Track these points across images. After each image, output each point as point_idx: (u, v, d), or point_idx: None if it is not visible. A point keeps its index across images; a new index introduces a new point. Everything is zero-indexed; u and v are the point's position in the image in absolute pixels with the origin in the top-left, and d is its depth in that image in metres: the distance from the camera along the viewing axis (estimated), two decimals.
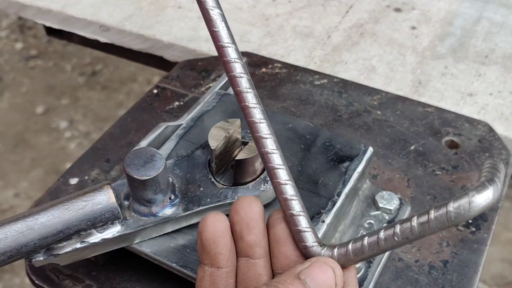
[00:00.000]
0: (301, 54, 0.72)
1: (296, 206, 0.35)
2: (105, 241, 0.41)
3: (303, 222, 0.35)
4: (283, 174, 0.36)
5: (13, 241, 0.37)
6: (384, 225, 0.49)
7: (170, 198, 0.42)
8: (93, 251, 0.41)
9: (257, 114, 0.36)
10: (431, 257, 0.48)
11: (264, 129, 0.36)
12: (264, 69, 0.67)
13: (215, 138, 0.42)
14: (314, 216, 0.43)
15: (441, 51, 0.73)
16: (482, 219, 0.51)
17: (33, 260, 0.39)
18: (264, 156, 0.36)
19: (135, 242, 0.42)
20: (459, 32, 0.76)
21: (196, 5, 0.66)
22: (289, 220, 0.35)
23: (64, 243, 0.40)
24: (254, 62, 0.68)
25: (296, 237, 0.35)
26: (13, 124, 1.77)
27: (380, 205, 0.49)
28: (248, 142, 0.43)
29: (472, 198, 0.30)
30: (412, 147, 0.57)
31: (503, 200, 0.53)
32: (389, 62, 0.71)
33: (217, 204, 0.42)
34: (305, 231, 0.35)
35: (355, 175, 0.46)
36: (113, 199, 0.40)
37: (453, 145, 0.58)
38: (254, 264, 0.36)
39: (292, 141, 0.49)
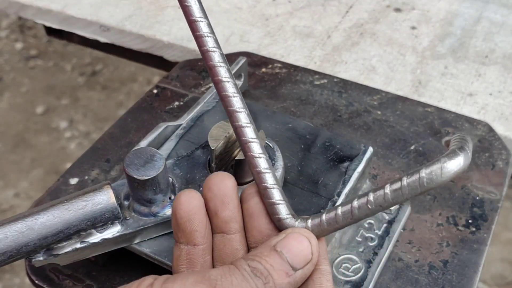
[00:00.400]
0: (301, 54, 0.72)
1: (270, 179, 0.35)
2: (105, 241, 0.41)
3: (276, 195, 0.35)
4: (256, 148, 0.35)
5: (13, 241, 0.37)
6: (385, 225, 0.49)
7: (170, 198, 0.42)
8: (93, 251, 0.41)
9: (230, 88, 0.36)
10: (431, 257, 0.48)
11: (237, 103, 0.36)
12: (264, 69, 0.67)
13: (215, 138, 0.42)
14: None
15: (441, 51, 0.73)
16: (482, 219, 0.51)
17: (33, 260, 0.39)
18: (237, 129, 0.36)
19: (135, 242, 0.42)
20: (459, 32, 0.76)
21: None
22: (263, 193, 0.35)
23: (64, 243, 0.40)
24: (254, 62, 0.68)
25: (270, 210, 0.35)
26: (13, 124, 1.78)
27: None
28: None
29: (444, 164, 0.30)
30: (412, 147, 0.57)
31: (503, 200, 0.54)
32: (389, 62, 0.71)
33: None
34: (278, 204, 0.35)
35: (355, 175, 0.46)
36: (113, 199, 0.40)
37: None
38: (230, 239, 0.36)
39: (292, 141, 0.49)
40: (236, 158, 0.43)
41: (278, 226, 0.35)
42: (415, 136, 0.59)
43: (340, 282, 0.45)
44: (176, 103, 0.63)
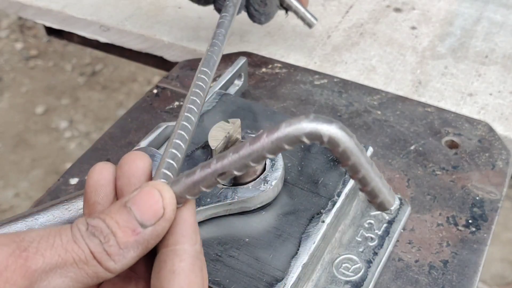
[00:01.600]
0: (301, 54, 0.72)
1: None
2: None
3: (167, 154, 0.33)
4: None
5: None
6: (385, 225, 0.49)
7: None
8: None
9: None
10: (431, 257, 0.48)
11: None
12: (264, 69, 0.67)
13: (215, 138, 0.42)
14: (314, 216, 0.43)
15: (441, 51, 0.73)
16: (482, 219, 0.51)
17: None
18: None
19: None
20: (459, 32, 0.76)
21: (196, 6, 0.66)
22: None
23: None
24: (254, 62, 0.68)
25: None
26: (13, 124, 1.78)
27: None
28: None
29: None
30: (412, 147, 0.57)
31: (503, 200, 0.54)
32: (389, 62, 0.71)
33: (217, 204, 0.42)
34: (162, 162, 0.33)
35: None
36: None
37: (453, 145, 0.58)
38: None
39: None
40: None
41: None
42: (415, 136, 0.59)
43: (340, 282, 0.45)
44: (176, 103, 0.63)
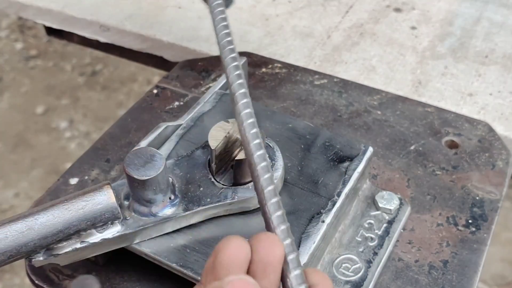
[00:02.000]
0: (301, 54, 0.72)
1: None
2: (105, 241, 0.41)
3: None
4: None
5: (13, 241, 0.37)
6: (385, 225, 0.49)
7: (170, 198, 0.42)
8: (93, 251, 0.41)
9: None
10: (431, 257, 0.48)
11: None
12: (264, 69, 0.67)
13: (215, 138, 0.42)
14: (314, 216, 0.43)
15: (441, 51, 0.73)
16: (482, 219, 0.51)
17: (33, 260, 0.39)
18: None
19: (135, 242, 0.42)
20: (459, 32, 0.76)
21: (196, 5, 0.66)
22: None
23: (64, 243, 0.40)
24: (254, 62, 0.68)
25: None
26: (13, 124, 1.77)
27: (380, 205, 0.49)
28: None
29: None
30: (412, 147, 0.57)
31: (503, 200, 0.54)
32: (389, 62, 0.71)
33: (217, 204, 0.42)
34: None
35: (355, 175, 0.46)
36: (113, 199, 0.40)
37: (453, 145, 0.58)
38: None
39: (292, 141, 0.49)
40: (236, 158, 0.43)
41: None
42: (415, 136, 0.59)
43: (340, 282, 0.45)
44: (176, 103, 0.63)
